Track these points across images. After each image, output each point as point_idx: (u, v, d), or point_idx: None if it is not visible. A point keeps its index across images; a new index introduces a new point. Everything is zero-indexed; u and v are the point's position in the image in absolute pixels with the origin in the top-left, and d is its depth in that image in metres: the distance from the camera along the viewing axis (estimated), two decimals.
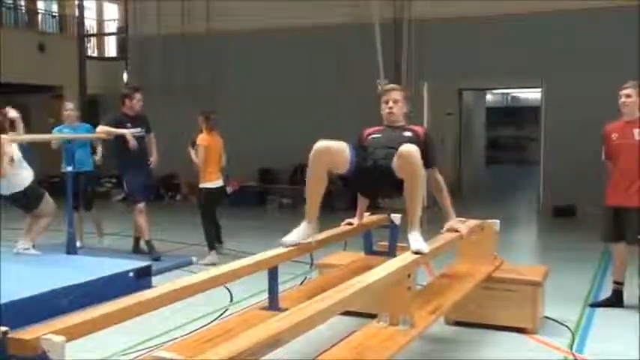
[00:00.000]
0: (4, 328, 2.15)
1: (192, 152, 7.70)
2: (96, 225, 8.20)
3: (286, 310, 2.82)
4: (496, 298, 4.89)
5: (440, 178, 4.29)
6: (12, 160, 6.38)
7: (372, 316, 3.75)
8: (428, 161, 4.03)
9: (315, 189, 3.89)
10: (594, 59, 10.88)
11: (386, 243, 5.00)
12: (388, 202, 4.56)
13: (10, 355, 2.13)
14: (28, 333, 2.18)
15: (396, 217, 4.89)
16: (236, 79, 13.33)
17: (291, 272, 6.22)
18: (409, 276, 3.57)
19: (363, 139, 4.31)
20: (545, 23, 11.19)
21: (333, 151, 3.83)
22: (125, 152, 7.45)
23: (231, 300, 5.68)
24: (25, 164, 6.64)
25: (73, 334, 2.28)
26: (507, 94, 24.54)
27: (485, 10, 11.50)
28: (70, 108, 8.32)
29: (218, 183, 7.63)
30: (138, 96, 7.74)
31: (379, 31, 11.93)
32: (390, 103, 4.37)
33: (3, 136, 6.33)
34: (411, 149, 3.67)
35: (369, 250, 5.00)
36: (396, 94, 4.41)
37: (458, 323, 4.98)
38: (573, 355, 4.43)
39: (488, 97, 21.50)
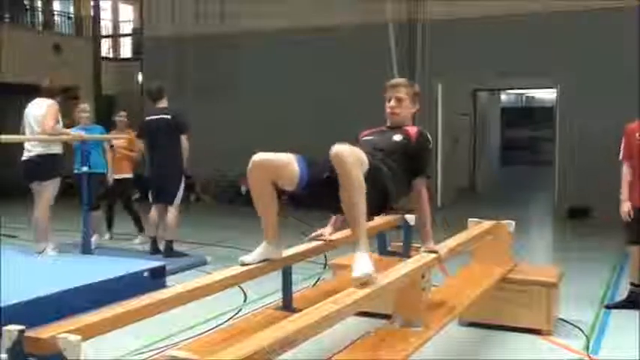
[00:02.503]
0: (20, 327, 2.17)
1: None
2: (93, 225, 7.73)
3: (300, 310, 2.82)
4: (511, 300, 4.87)
5: (425, 193, 3.68)
6: None
7: (386, 317, 3.75)
8: (415, 169, 3.59)
9: (264, 207, 3.34)
10: (610, 59, 10.81)
11: (400, 244, 5.00)
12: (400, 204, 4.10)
13: (27, 353, 2.15)
14: (44, 332, 2.19)
15: (410, 218, 4.88)
16: (249, 80, 13.36)
17: (305, 273, 6.23)
18: (423, 277, 3.56)
19: (359, 140, 3.77)
20: (560, 23, 11.11)
21: (272, 166, 3.24)
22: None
23: (245, 300, 5.69)
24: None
25: (88, 333, 2.30)
26: (522, 94, 24.43)
27: (500, 10, 11.45)
28: (84, 109, 8.38)
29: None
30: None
31: (393, 31, 11.92)
32: (393, 102, 3.76)
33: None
34: (338, 149, 2.99)
35: (383, 251, 5.00)
36: (402, 91, 3.78)
37: (472, 324, 4.97)
38: (589, 356, 4.40)
39: (503, 97, 21.43)
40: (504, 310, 4.86)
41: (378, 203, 3.34)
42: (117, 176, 8.58)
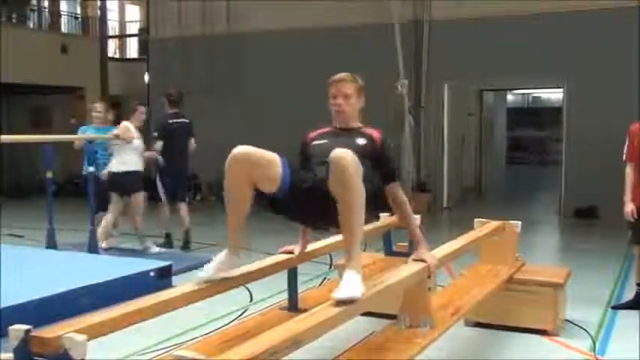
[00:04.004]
0: (26, 327, 2.18)
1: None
2: (104, 226, 7.69)
3: (306, 310, 2.82)
4: (517, 300, 4.86)
5: (404, 196, 3.41)
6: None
7: (392, 317, 3.75)
8: (387, 174, 3.32)
9: (235, 208, 3.00)
10: (617, 59, 10.78)
11: (406, 244, 4.99)
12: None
13: (33, 352, 2.15)
14: (50, 331, 2.20)
15: (417, 219, 4.87)
16: (256, 80, 13.36)
17: (311, 273, 6.23)
18: (429, 277, 3.55)
19: (306, 146, 3.46)
20: (567, 22, 11.09)
21: (255, 161, 2.91)
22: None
23: (251, 300, 5.69)
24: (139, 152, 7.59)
25: (94, 332, 2.31)
26: (529, 94, 24.39)
27: (506, 9, 11.43)
28: (94, 108, 8.21)
29: None
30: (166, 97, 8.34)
31: (399, 31, 11.91)
32: (339, 99, 3.41)
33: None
34: (343, 154, 2.72)
35: (389, 251, 5.00)
36: (347, 87, 3.42)
37: (478, 324, 4.95)
38: (595, 357, 4.39)
39: (509, 97, 21.40)
40: (511, 310, 4.85)
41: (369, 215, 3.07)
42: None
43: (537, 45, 11.30)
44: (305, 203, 2.98)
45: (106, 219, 7.62)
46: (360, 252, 2.89)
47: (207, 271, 2.98)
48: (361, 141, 3.30)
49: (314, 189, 2.90)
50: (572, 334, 4.84)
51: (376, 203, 3.18)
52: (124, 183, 7.53)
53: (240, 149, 2.92)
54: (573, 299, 5.26)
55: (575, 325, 5.04)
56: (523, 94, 23.87)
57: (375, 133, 3.40)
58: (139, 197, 7.64)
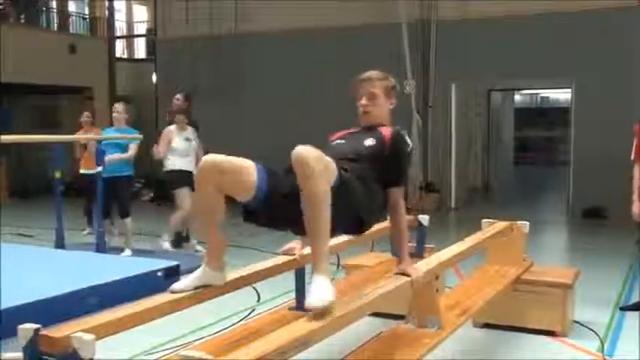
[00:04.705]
0: (35, 326, 2.18)
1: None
2: (126, 234, 7.77)
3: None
4: (525, 301, 4.84)
5: (403, 205, 3.11)
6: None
7: (400, 317, 3.74)
8: (390, 177, 3.04)
9: (208, 221, 2.82)
10: (625, 59, 10.74)
11: (414, 244, 4.98)
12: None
13: (42, 352, 2.16)
14: (58, 331, 2.21)
15: (424, 219, 4.86)
16: (263, 80, 13.37)
17: None
18: (437, 278, 3.54)
19: (326, 147, 3.10)
20: (575, 22, 11.04)
21: (227, 169, 2.71)
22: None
23: (259, 300, 5.70)
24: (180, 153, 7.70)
25: (102, 332, 2.31)
26: (537, 94, 24.33)
27: (514, 9, 11.40)
28: (114, 109, 8.03)
29: None
30: (175, 97, 8.30)
31: (406, 31, 11.90)
32: (364, 100, 3.23)
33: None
34: (302, 151, 2.52)
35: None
36: (375, 86, 3.23)
37: (486, 325, 4.94)
38: (603, 358, 4.37)
39: (517, 97, 21.35)
40: (519, 311, 4.84)
41: (347, 225, 2.91)
42: (87, 171, 8.55)
43: (545, 45, 11.26)
44: (284, 210, 2.74)
45: (176, 216, 7.68)
46: (328, 254, 2.68)
47: (181, 286, 2.79)
48: (369, 142, 3.08)
49: (294, 194, 2.62)
50: (580, 335, 4.82)
51: (378, 209, 3.01)
52: (168, 181, 7.77)
53: (209, 157, 2.73)
54: (582, 300, 5.25)
55: (584, 326, 5.02)
56: (531, 94, 23.81)
57: (387, 132, 3.12)
58: (181, 195, 7.61)
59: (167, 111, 8.42)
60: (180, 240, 8.08)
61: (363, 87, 3.25)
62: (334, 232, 2.76)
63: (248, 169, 2.74)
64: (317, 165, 2.51)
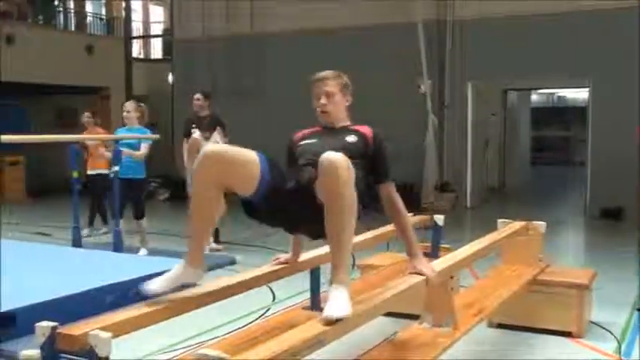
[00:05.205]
0: (53, 324, 2.21)
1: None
2: (141, 235, 7.68)
3: None
4: (541, 301, 4.82)
5: (398, 197, 3.11)
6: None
7: (414, 317, 3.74)
8: (380, 174, 3.08)
9: (202, 217, 2.72)
10: None
11: (429, 244, 4.97)
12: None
13: (59, 349, 2.19)
14: (76, 329, 2.23)
15: (439, 219, 4.86)
16: (279, 80, 13.39)
17: None
18: (452, 277, 3.54)
19: (293, 147, 3.20)
20: (592, 21, 10.97)
21: (228, 162, 2.64)
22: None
23: (274, 299, 5.71)
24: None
25: (118, 330, 2.33)
26: (553, 93, 24.18)
27: (531, 8, 11.34)
28: (127, 109, 7.80)
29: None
30: (195, 97, 8.24)
31: (422, 30, 11.88)
32: (323, 99, 3.20)
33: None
34: (337, 158, 2.49)
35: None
36: (330, 85, 3.21)
37: (502, 326, 4.92)
38: (620, 359, 4.34)
39: (534, 97, 21.23)
40: (534, 311, 4.81)
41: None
42: (92, 172, 8.62)
43: (562, 44, 11.19)
44: (287, 207, 2.71)
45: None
46: (349, 265, 2.65)
47: (156, 286, 2.67)
48: (351, 139, 3.08)
49: (298, 191, 2.64)
50: (597, 337, 4.79)
51: (364, 205, 2.89)
52: None
53: (212, 147, 2.68)
54: (598, 301, 5.21)
55: (601, 327, 4.99)
56: (548, 93, 23.66)
57: (366, 130, 3.15)
58: None
59: (187, 120, 8.33)
60: (217, 236, 8.02)
61: (319, 87, 3.23)
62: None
63: (252, 160, 2.68)
64: (348, 173, 2.50)
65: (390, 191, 3.09)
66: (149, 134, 7.69)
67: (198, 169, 2.63)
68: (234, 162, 2.65)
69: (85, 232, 8.96)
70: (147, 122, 7.89)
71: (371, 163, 3.05)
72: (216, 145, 2.71)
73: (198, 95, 8.26)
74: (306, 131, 3.28)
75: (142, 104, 7.96)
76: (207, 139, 7.58)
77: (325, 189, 2.53)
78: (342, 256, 2.57)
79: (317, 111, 3.25)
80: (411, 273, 3.10)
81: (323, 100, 3.20)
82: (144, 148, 7.46)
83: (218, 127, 7.86)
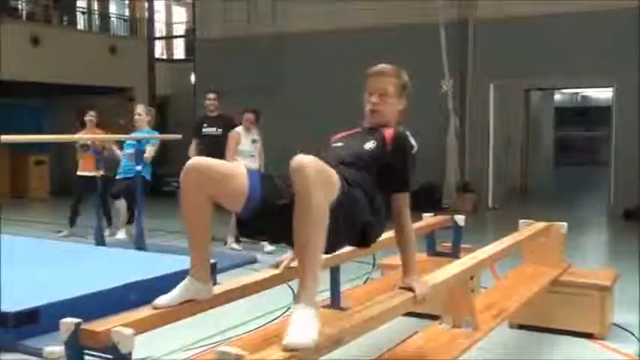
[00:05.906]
0: (77, 320, 2.25)
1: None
2: (120, 215, 8.24)
3: (348, 309, 2.83)
4: (563, 302, 4.78)
5: (408, 214, 2.79)
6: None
7: (434, 318, 3.73)
8: (393, 182, 2.74)
9: (195, 230, 2.53)
10: None
11: (449, 244, 4.97)
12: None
13: (83, 345, 2.22)
14: (99, 325, 2.26)
15: (460, 219, 4.85)
16: (301, 80, 13.42)
17: (354, 272, 6.23)
18: (472, 278, 3.53)
19: (325, 149, 2.93)
20: (616, 21, 10.87)
21: (214, 175, 2.44)
22: (203, 151, 7.84)
23: (294, 298, 5.72)
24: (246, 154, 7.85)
25: (141, 327, 2.36)
26: (577, 93, 23.96)
27: (553, 8, 11.26)
28: (137, 112, 8.23)
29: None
30: (208, 97, 8.43)
31: (444, 30, 11.84)
32: (374, 97, 2.88)
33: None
34: (302, 161, 2.23)
35: (432, 251, 4.98)
36: (388, 82, 2.88)
37: (523, 327, 4.90)
38: None
39: (557, 96, 21.06)
40: (556, 313, 4.78)
41: (352, 237, 2.64)
42: (87, 173, 8.61)
43: (586, 44, 11.10)
44: (280, 223, 2.40)
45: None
46: (316, 281, 2.30)
47: (165, 301, 2.53)
48: (370, 144, 2.77)
49: (291, 206, 2.29)
50: (619, 338, 4.75)
51: (384, 218, 2.72)
52: None
53: (196, 159, 2.50)
54: (621, 303, 5.16)
55: (623, 329, 4.94)
56: (572, 93, 23.46)
57: (389, 133, 2.79)
58: None
59: (197, 120, 8.54)
60: (239, 237, 8.06)
61: (374, 82, 2.90)
62: (339, 244, 2.62)
63: (239, 173, 2.48)
64: (317, 177, 2.22)
65: (401, 204, 2.77)
66: (156, 134, 8.12)
67: (184, 181, 2.45)
68: (220, 175, 2.46)
69: (62, 233, 8.99)
70: (154, 124, 8.34)
71: (387, 170, 2.72)
72: (200, 158, 2.54)
73: (211, 95, 8.38)
74: (345, 132, 3.00)
75: (152, 108, 8.49)
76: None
77: (295, 192, 2.26)
78: (307, 270, 2.27)
79: (366, 108, 2.93)
80: (400, 288, 2.83)
81: (374, 99, 2.88)
82: (149, 151, 7.70)
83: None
